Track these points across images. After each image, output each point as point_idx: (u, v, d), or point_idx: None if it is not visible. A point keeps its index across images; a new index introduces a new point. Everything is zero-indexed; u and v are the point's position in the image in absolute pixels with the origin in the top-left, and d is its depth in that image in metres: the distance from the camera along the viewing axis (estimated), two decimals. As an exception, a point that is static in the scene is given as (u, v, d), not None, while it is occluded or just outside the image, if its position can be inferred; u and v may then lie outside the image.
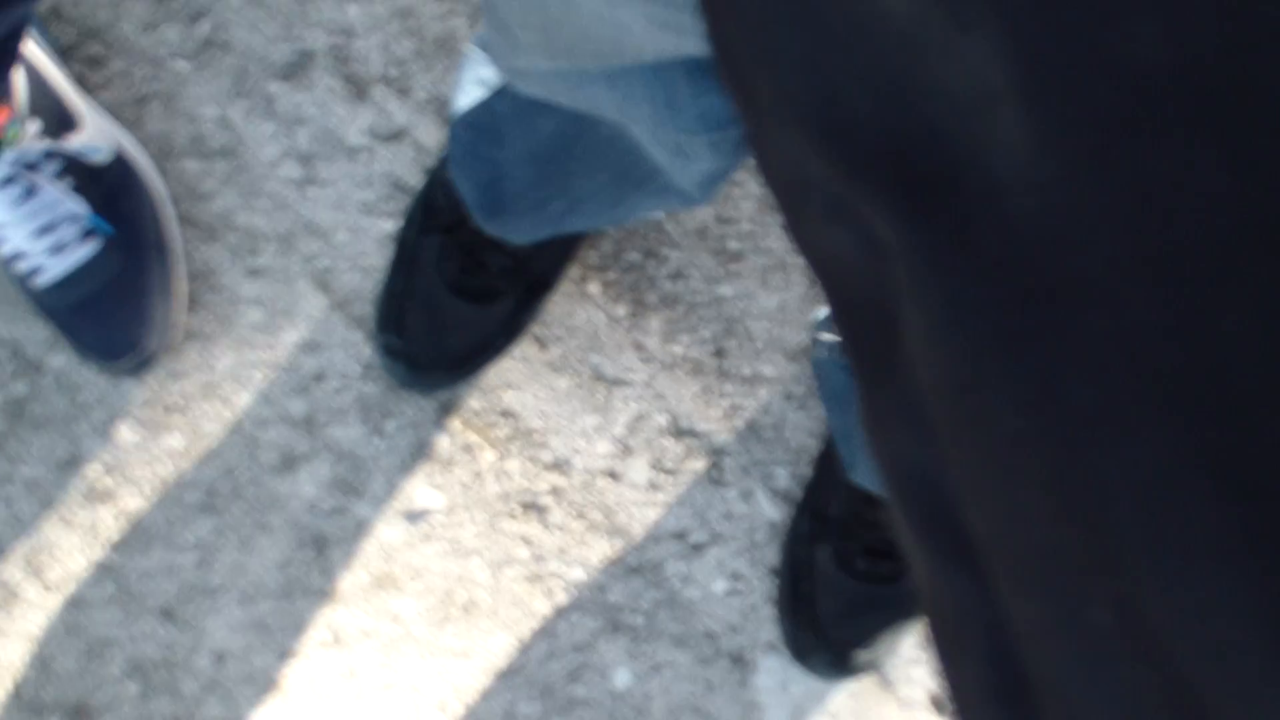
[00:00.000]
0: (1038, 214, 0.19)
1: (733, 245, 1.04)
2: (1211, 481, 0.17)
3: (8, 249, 0.97)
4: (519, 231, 1.01)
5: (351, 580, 1.03)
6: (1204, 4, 0.17)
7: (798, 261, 1.02)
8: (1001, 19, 0.18)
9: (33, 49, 0.98)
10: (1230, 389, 0.17)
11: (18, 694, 1.01)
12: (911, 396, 0.21)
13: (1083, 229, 0.18)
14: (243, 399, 1.03)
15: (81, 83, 1.03)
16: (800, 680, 1.03)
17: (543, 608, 1.03)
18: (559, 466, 1.04)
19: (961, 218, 0.20)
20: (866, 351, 0.23)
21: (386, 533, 1.03)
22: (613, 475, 1.04)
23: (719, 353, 1.04)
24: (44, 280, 0.98)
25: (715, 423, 1.04)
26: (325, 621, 1.02)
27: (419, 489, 1.03)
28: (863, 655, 1.01)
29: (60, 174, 0.97)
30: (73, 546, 1.02)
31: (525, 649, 1.03)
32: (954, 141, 0.19)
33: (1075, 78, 0.18)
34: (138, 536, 1.02)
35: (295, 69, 1.06)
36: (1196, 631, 0.18)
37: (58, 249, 0.97)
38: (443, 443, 1.04)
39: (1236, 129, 0.17)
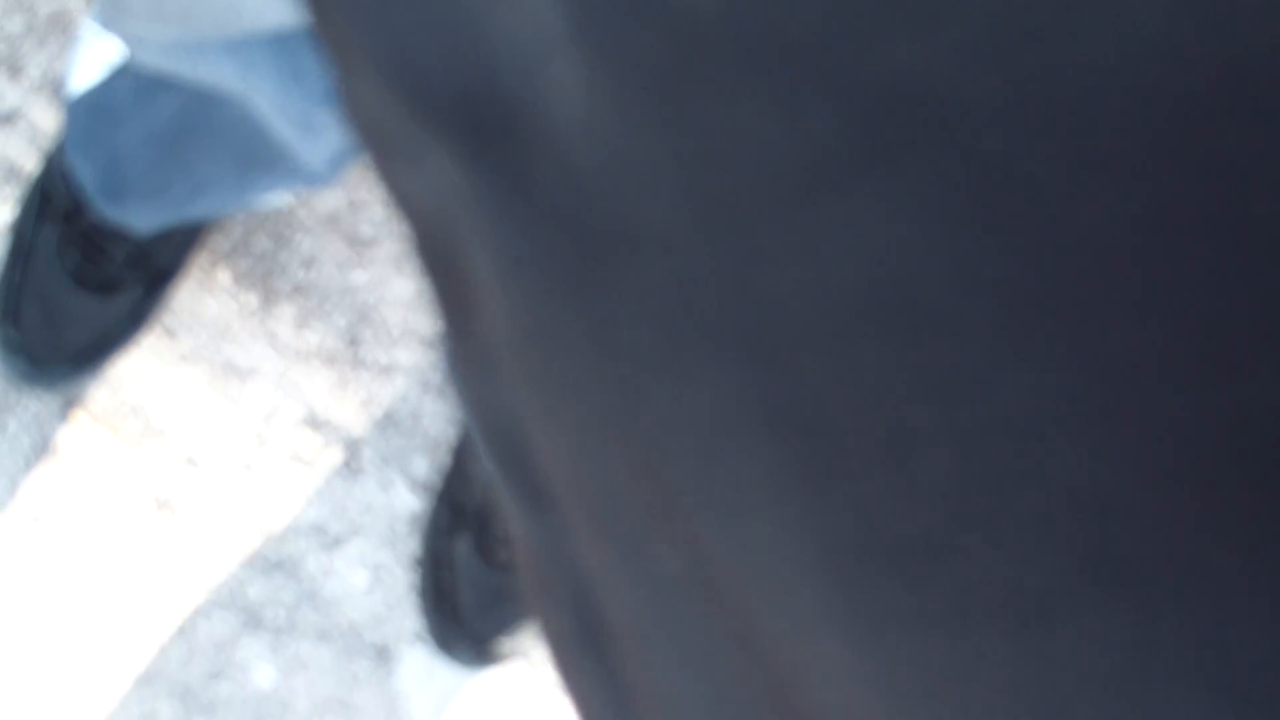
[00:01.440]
0: (597, 161, 0.19)
1: (365, 231, 1.01)
2: (762, 423, 0.18)
3: None
4: (141, 218, 0.97)
5: (-26, 585, 0.99)
6: None
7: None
8: None
9: None
10: (779, 332, 0.17)
11: None
12: (488, 342, 0.22)
13: (640, 177, 0.18)
14: None
15: None
16: (445, 670, 1.02)
17: (180, 609, 1.00)
18: (191, 461, 1.01)
19: (525, 164, 0.20)
20: (448, 296, 0.23)
21: (9, 535, 0.99)
22: (248, 468, 1.01)
23: (353, 341, 1.01)
24: None
25: (351, 413, 1.01)
26: (-55, 629, 0.99)
27: (43, 488, 1.00)
28: (506, 644, 1.00)
29: None
30: None
31: (164, 651, 1.00)
32: (518, 87, 0.20)
33: (626, 24, 0.18)
34: None
35: (-105, 47, 0.99)
36: (753, 573, 0.18)
37: None
38: (68, 439, 1.00)
39: (778, 76, 0.17)
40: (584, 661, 0.23)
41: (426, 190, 0.23)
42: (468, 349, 0.23)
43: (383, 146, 0.23)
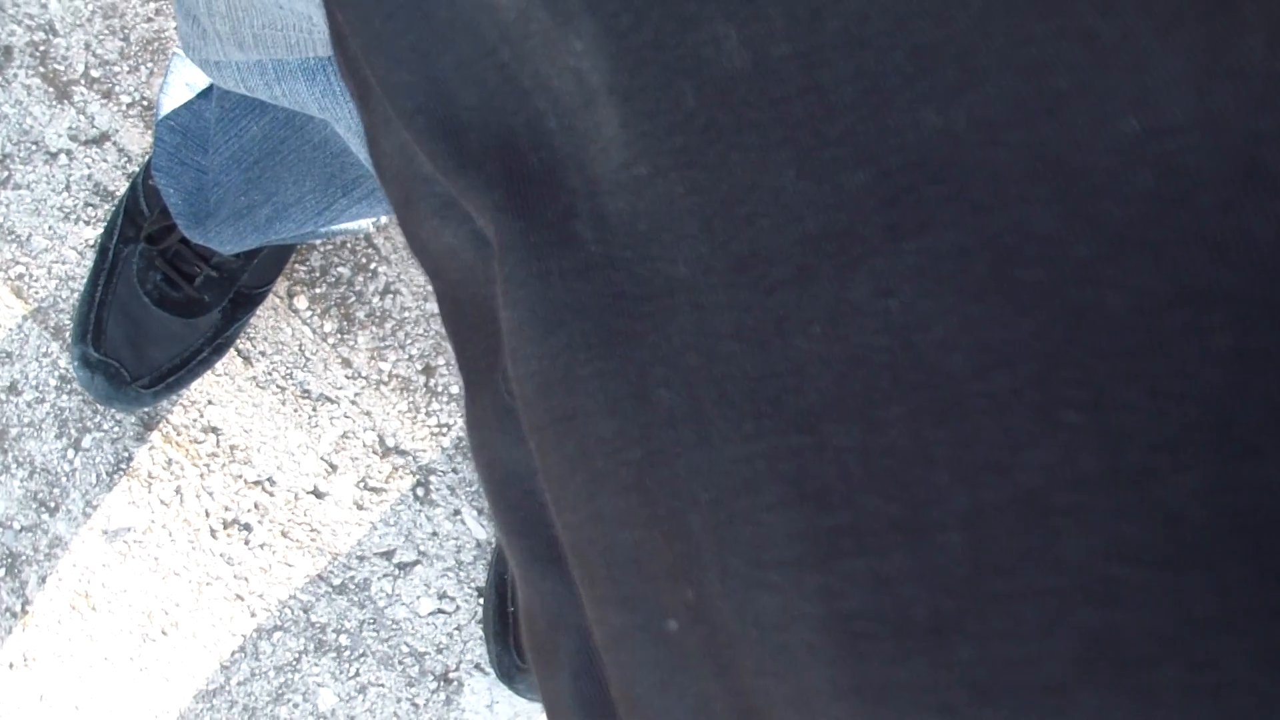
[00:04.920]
0: (631, 214, 0.19)
1: (443, 261, 1.02)
2: (783, 487, 0.17)
3: None
4: (225, 240, 0.99)
5: (45, 600, 1.00)
6: (778, 15, 0.17)
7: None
8: (596, 15, 0.18)
9: None
10: (802, 397, 0.17)
11: None
12: (506, 398, 0.21)
13: (671, 231, 0.18)
14: (-69, 412, 1.00)
15: None
16: (506, 700, 1.02)
17: (245, 628, 1.01)
18: (263, 484, 1.02)
19: (560, 216, 0.19)
20: (469, 353, 0.23)
21: (83, 551, 1.01)
22: (318, 494, 1.02)
23: (427, 370, 1.02)
24: None
25: (423, 441, 1.02)
26: (16, 643, 1.00)
27: (118, 506, 1.01)
28: (567, 677, 1.01)
29: None
30: None
31: (227, 670, 1.01)
32: (555, 138, 0.19)
33: (662, 79, 0.18)
34: None
35: (-10, 67, 1.01)
36: (760, 642, 0.18)
37: None
38: (143, 458, 1.01)
39: (806, 135, 0.17)
40: (582, 718, 0.22)
41: (454, 244, 0.22)
42: (483, 404, 0.23)
43: (411, 197, 0.23)
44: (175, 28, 1.02)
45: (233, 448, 1.01)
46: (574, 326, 0.20)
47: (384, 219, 0.94)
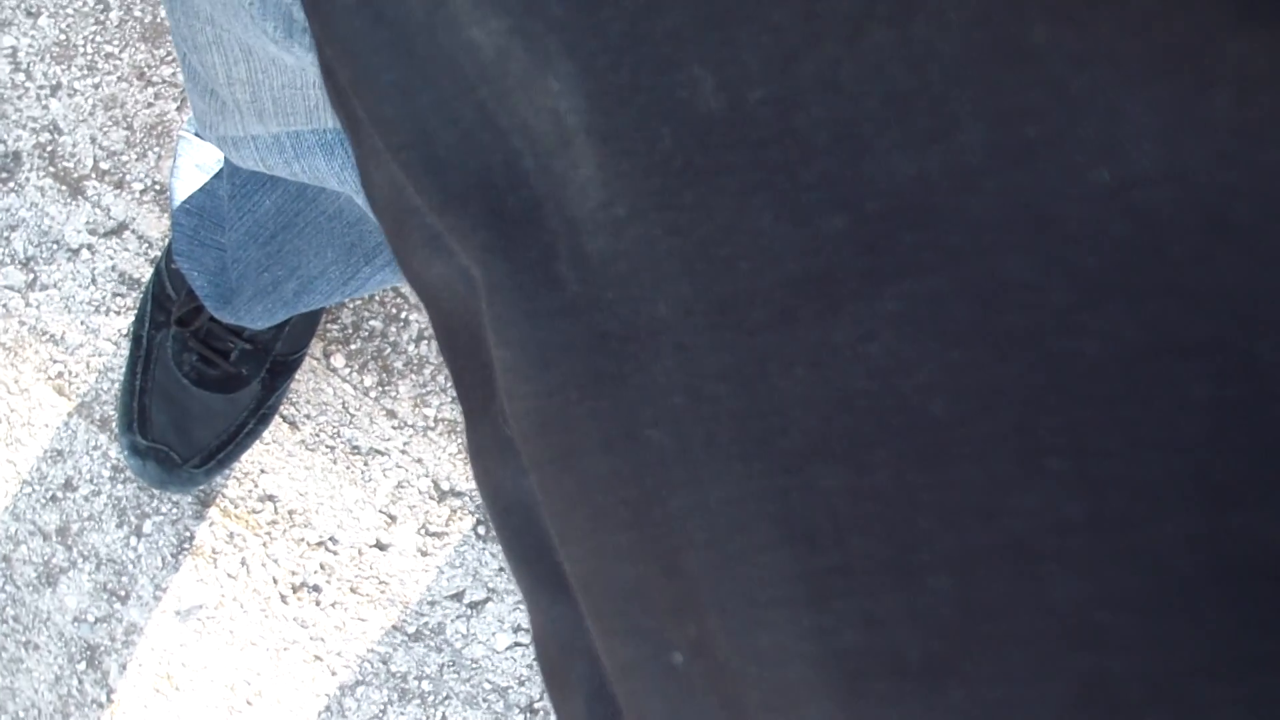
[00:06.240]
0: (610, 255, 0.19)
1: (471, 301, 1.03)
2: (774, 528, 0.17)
3: None
4: (254, 317, 1.00)
5: (129, 687, 1.01)
6: (753, 60, 0.17)
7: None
8: (574, 56, 0.18)
9: None
10: (788, 439, 0.17)
11: None
12: (505, 430, 0.21)
13: (651, 272, 0.18)
14: (-9, 519, 1.01)
15: None
16: (593, 723, 1.03)
17: (328, 687, 1.03)
18: (325, 544, 1.03)
19: (542, 256, 0.19)
20: (466, 383, 0.23)
21: (159, 634, 1.02)
22: (381, 546, 1.03)
23: (471, 411, 1.03)
24: None
25: (476, 481, 1.03)
26: (106, 732, 1.01)
27: (186, 585, 1.02)
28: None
29: None
30: None
31: (316, 730, 1.02)
32: (532, 178, 0.19)
33: (639, 120, 0.18)
34: (-100, 673, 1.00)
35: (1, 172, 1.02)
36: (762, 676, 0.18)
37: None
38: (205, 535, 1.02)
39: (783, 179, 0.17)
40: None
41: (444, 277, 0.22)
42: (484, 435, 0.23)
43: (402, 230, 0.23)
44: (179, 109, 1.03)
45: (291, 513, 1.03)
46: (564, 366, 0.20)
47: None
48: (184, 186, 0.98)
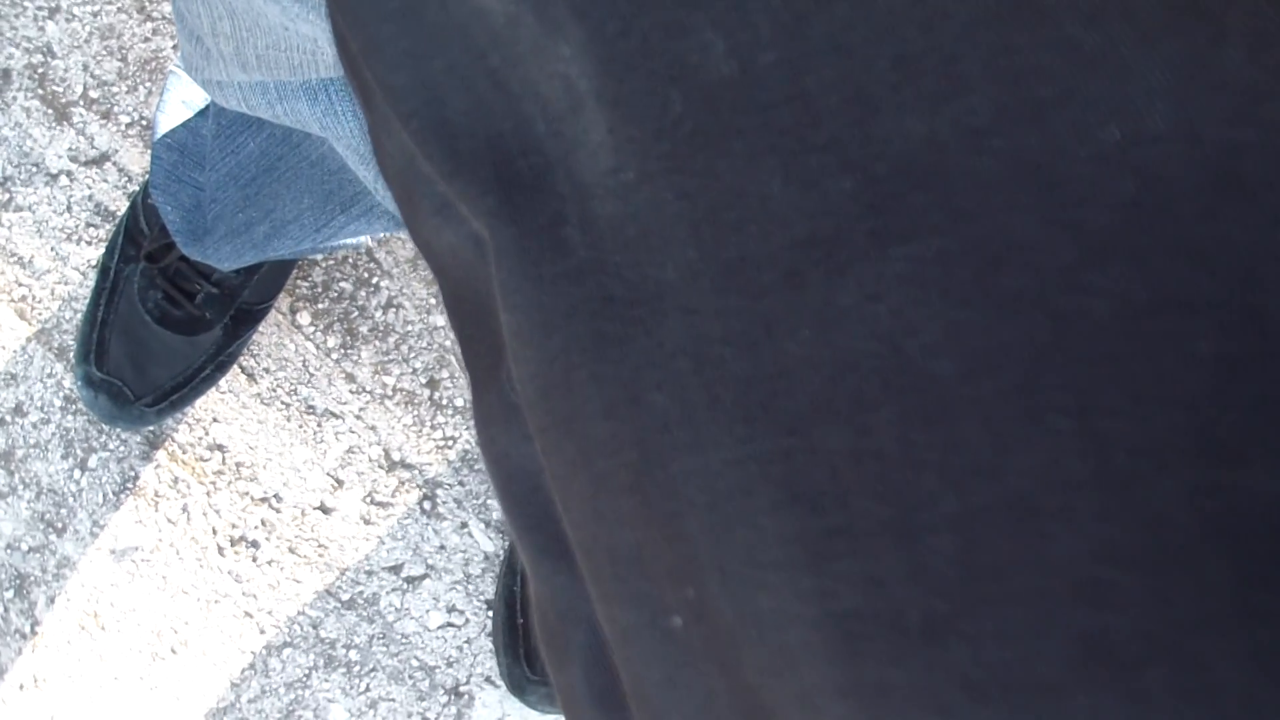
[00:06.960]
0: (619, 219, 0.19)
1: (445, 274, 1.02)
2: (776, 490, 0.17)
3: None
4: (223, 257, 0.99)
5: (54, 620, 1.00)
6: (764, 23, 0.17)
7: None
8: (584, 22, 0.18)
9: None
10: (792, 401, 0.17)
11: None
12: (511, 395, 0.21)
13: (659, 236, 0.18)
14: (-63, 435, 1.00)
15: None
16: (518, 713, 1.02)
17: (255, 645, 1.01)
18: (269, 501, 1.02)
19: (551, 221, 0.20)
20: (473, 350, 0.23)
21: (91, 571, 1.01)
22: (325, 509, 1.02)
23: (432, 384, 1.02)
24: None
25: (429, 455, 1.02)
26: (26, 665, 1.00)
27: (125, 525, 1.01)
28: (577, 688, 1.01)
29: None
30: None
31: (237, 687, 1.01)
32: (543, 144, 0.19)
33: (649, 85, 0.18)
34: None
35: (-10, 90, 1.01)
36: (761, 643, 0.18)
37: None
38: (149, 477, 1.01)
39: (792, 142, 0.17)
40: (595, 710, 0.22)
41: (453, 245, 0.22)
42: (490, 402, 0.23)
43: (412, 196, 0.23)
44: (174, 47, 1.02)
45: (239, 465, 1.01)
46: (568, 331, 0.20)
47: (384, 234, 0.94)
48: (168, 121, 0.97)
